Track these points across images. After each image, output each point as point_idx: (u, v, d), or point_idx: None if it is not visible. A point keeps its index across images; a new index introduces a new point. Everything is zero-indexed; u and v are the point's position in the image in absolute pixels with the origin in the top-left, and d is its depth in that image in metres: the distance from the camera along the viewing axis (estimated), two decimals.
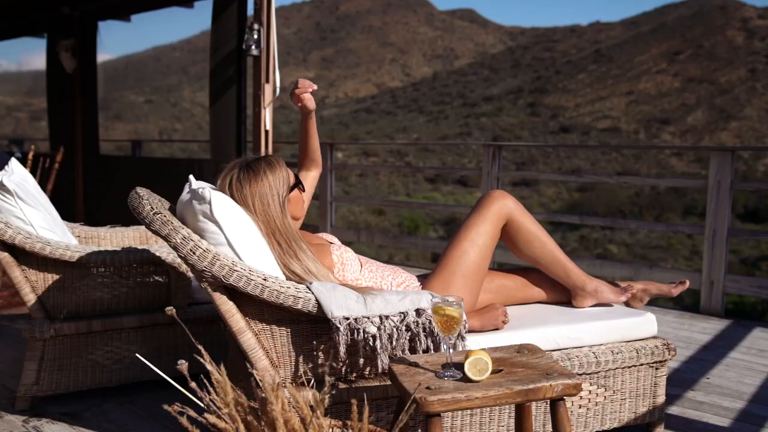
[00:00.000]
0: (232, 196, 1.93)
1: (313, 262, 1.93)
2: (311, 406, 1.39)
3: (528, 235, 2.21)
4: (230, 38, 4.84)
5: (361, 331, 1.78)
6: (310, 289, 1.81)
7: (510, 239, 2.24)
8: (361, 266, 2.12)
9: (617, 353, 2.11)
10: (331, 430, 1.78)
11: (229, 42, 4.84)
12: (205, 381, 1.38)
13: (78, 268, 2.45)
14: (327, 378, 1.35)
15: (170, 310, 1.49)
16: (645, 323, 2.21)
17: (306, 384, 1.83)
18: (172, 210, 1.99)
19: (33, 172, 4.71)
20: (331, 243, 2.16)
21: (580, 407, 2.10)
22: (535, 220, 2.25)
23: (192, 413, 1.33)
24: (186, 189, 1.93)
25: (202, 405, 1.36)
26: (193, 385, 1.35)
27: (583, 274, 2.26)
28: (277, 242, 1.91)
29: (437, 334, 1.83)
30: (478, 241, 2.14)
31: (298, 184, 2.05)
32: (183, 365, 1.37)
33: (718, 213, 4.12)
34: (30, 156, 4.29)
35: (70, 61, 6.15)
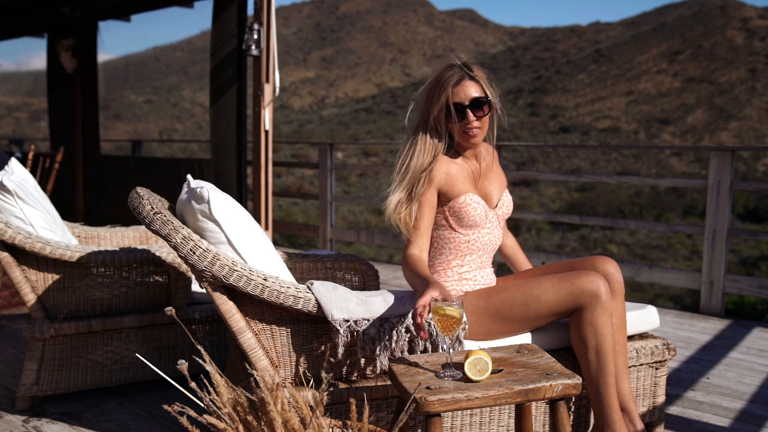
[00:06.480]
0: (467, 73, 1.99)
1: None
2: (311, 406, 1.39)
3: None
4: (230, 38, 4.84)
5: (361, 333, 1.78)
6: (310, 290, 1.81)
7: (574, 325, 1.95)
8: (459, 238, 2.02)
9: None
10: (330, 429, 1.78)
11: (229, 42, 4.84)
12: (205, 381, 1.38)
13: (78, 268, 2.45)
14: (324, 376, 1.35)
15: (170, 310, 1.49)
16: (647, 316, 2.21)
17: (306, 384, 1.83)
18: (172, 209, 1.99)
19: (33, 172, 4.72)
20: (476, 202, 2.02)
21: (580, 407, 2.10)
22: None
23: (192, 413, 1.33)
24: (184, 188, 1.93)
25: (202, 405, 1.36)
26: (193, 385, 1.35)
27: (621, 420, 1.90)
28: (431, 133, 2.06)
29: (436, 336, 1.83)
30: (540, 299, 1.94)
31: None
32: (183, 365, 1.37)
33: (718, 213, 4.12)
34: (30, 156, 4.30)
35: (70, 61, 6.15)
